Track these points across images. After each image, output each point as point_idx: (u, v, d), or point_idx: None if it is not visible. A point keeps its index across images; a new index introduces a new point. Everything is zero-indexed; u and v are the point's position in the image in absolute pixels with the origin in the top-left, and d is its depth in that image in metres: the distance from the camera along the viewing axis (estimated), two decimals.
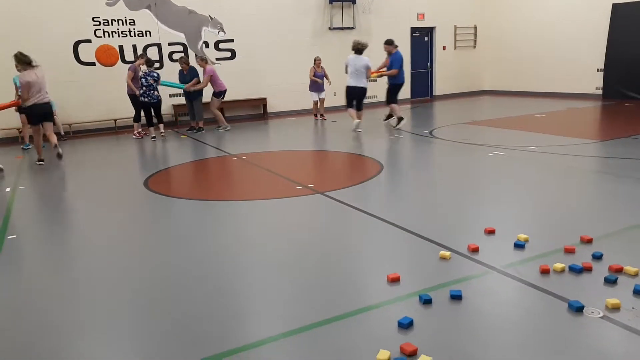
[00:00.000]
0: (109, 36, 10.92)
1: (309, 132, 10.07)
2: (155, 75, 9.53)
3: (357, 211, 4.53)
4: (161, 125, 9.93)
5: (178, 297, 3.01)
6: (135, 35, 11.19)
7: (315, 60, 11.32)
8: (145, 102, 9.56)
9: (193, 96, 10.48)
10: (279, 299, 2.95)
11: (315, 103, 11.46)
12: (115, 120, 11.16)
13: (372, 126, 10.20)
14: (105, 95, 10.95)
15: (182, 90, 10.64)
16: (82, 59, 10.72)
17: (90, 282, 3.31)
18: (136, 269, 3.52)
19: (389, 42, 9.50)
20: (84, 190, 6.09)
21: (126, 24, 11.07)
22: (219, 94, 10.51)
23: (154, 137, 9.73)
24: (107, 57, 10.84)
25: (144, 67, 9.63)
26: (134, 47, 11.19)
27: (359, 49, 8.81)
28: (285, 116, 12.58)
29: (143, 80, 9.40)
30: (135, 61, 10.05)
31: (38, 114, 7.34)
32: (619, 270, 3.00)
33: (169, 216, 4.82)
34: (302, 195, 5.16)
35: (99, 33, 10.80)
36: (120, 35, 11.04)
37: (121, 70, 10.53)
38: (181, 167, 7.12)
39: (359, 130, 9.14)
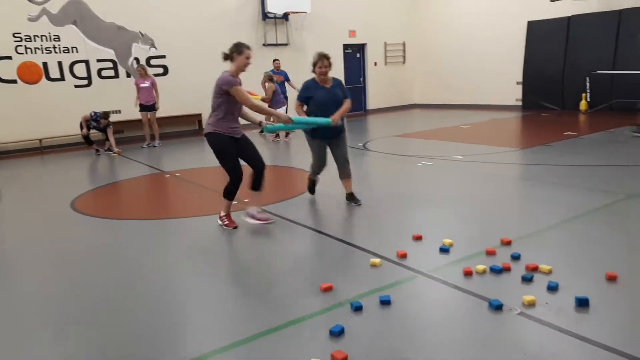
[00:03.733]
0: (31, 52, 10.45)
1: None
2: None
3: (290, 223, 4.59)
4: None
5: (107, 319, 2.92)
6: (60, 52, 10.77)
7: (273, 67, 11.33)
8: None
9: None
10: (212, 315, 2.94)
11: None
12: (40, 140, 10.64)
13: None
14: (29, 114, 10.45)
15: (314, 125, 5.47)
16: (3, 76, 10.19)
17: (13, 307, 3.15)
18: (61, 292, 3.38)
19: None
20: (5, 214, 5.77)
21: (50, 40, 10.64)
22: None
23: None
24: (29, 74, 10.38)
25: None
26: (60, 63, 10.76)
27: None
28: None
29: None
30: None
31: None
32: (535, 269, 3.22)
33: (97, 237, 4.66)
34: (237, 210, 5.14)
35: (21, 50, 10.32)
36: (44, 51, 10.59)
37: (45, 88, 10.09)
38: (112, 186, 6.90)
39: None
